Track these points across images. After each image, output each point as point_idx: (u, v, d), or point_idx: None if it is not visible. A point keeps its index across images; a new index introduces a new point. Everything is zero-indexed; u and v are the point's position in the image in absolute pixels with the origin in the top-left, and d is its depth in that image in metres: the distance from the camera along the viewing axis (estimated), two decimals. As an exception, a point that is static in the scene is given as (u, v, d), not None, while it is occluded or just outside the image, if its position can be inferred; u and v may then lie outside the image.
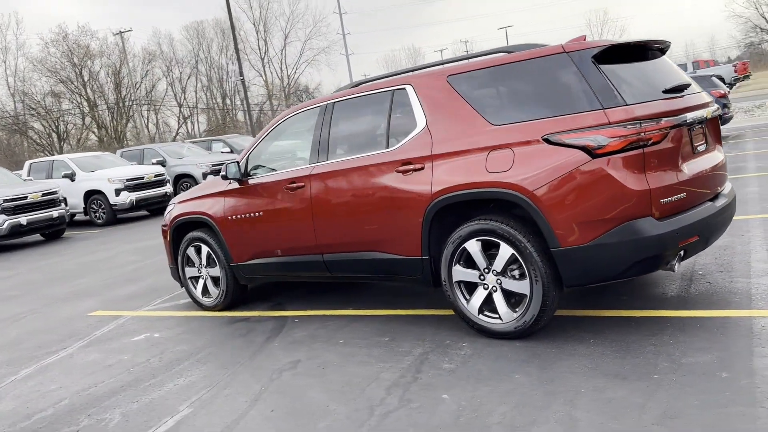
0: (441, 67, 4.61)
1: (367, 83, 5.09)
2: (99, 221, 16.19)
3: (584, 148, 3.67)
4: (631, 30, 76.60)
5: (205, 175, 18.35)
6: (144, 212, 17.33)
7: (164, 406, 3.95)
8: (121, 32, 47.79)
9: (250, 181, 5.53)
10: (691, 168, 3.92)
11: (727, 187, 4.42)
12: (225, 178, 5.60)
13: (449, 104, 4.31)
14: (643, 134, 3.62)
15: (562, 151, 3.74)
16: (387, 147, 4.61)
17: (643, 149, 3.64)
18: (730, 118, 15.52)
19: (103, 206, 16.07)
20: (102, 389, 4.42)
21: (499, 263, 4.07)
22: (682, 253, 3.82)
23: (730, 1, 70.62)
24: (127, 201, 15.87)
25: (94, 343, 5.65)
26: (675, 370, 3.38)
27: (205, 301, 6.13)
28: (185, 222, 6.14)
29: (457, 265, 4.27)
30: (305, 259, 5.20)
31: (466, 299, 4.29)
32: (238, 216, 5.58)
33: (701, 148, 4.11)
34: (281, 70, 73.72)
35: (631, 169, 3.63)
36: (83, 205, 16.33)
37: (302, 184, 5.07)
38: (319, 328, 5.05)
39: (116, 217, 16.21)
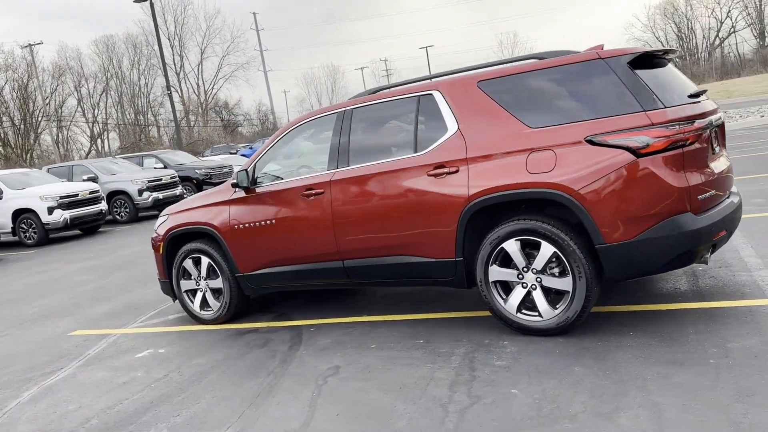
0: (468, 73, 4.72)
1: (387, 90, 5.14)
2: (29, 241, 15.28)
3: (629, 148, 3.86)
4: (538, 49, 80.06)
5: (140, 192, 17.72)
6: (76, 231, 16.49)
7: (214, 418, 3.82)
8: (30, 45, 45.45)
9: (260, 189, 5.44)
10: (714, 167, 4.20)
11: (734, 187, 4.74)
12: (236, 186, 5.47)
13: (482, 109, 4.42)
14: (682, 135, 3.86)
15: (606, 152, 3.92)
16: (415, 151, 4.66)
17: (683, 149, 3.87)
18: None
19: (34, 225, 15.19)
20: (130, 406, 4.21)
21: (539, 262, 4.19)
22: (712, 246, 4.07)
23: (630, 26, 75.04)
24: (61, 219, 15.08)
25: (92, 361, 5.36)
26: (726, 354, 3.59)
27: (205, 314, 5.94)
28: (183, 233, 5.95)
29: (494, 265, 4.36)
30: (323, 266, 5.15)
31: (503, 299, 4.38)
32: (247, 224, 5.47)
33: (717, 149, 4.41)
34: (198, 86, 72.31)
35: (672, 167, 3.85)
36: (11, 225, 15.37)
37: (321, 190, 5.04)
38: (343, 335, 5.01)
39: (48, 236, 15.36)
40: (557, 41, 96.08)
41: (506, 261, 4.35)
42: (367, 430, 3.38)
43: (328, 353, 4.64)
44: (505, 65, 4.60)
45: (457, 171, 4.42)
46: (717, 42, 70.21)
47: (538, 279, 4.23)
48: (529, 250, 4.26)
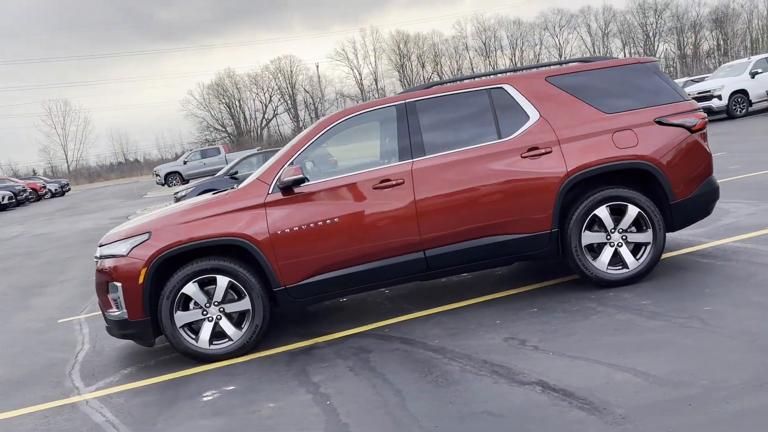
0: (532, 70, 5.40)
1: (441, 85, 5.37)
2: None
3: (686, 127, 5.15)
4: (95, 121, 77.76)
5: None
6: None
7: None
8: None
9: (309, 187, 4.92)
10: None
11: None
12: (288, 186, 4.80)
13: (558, 99, 5.16)
14: (707, 118, 5.34)
15: (671, 130, 5.13)
16: (500, 137, 5.07)
17: (706, 128, 5.35)
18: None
19: None
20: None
21: (626, 222, 5.07)
22: (712, 202, 5.58)
23: (187, 103, 78.69)
24: None
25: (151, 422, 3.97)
26: (757, 270, 5.06)
27: (216, 349, 4.86)
28: (185, 251, 4.82)
29: (586, 231, 5.07)
30: (400, 260, 4.97)
31: (593, 259, 5.10)
32: (297, 228, 4.85)
33: None
34: None
35: (705, 140, 5.28)
36: None
37: (400, 180, 4.93)
38: (435, 325, 4.92)
39: None
40: (110, 114, 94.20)
41: (591, 226, 5.10)
42: (667, 348, 3.77)
43: (468, 335, 4.57)
44: (565, 65, 5.44)
45: (550, 151, 5.02)
46: (264, 122, 79.11)
47: (623, 237, 5.10)
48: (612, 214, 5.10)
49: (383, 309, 5.63)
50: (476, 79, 5.41)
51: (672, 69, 71.09)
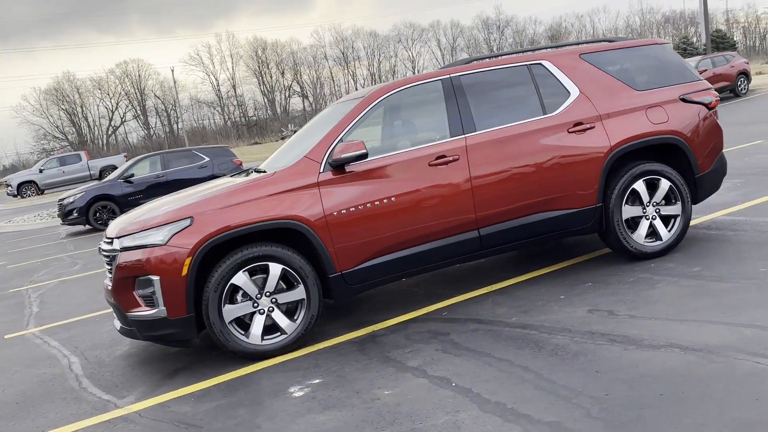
0: (566, 48, 5.40)
1: (482, 60, 5.23)
2: None
3: (705, 104, 5.41)
4: None
5: None
6: None
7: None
8: None
9: (359, 165, 4.58)
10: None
11: None
12: (337, 164, 4.44)
13: (594, 76, 5.22)
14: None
15: (693, 107, 5.37)
16: (545, 113, 5.03)
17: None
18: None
19: None
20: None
21: (659, 195, 5.22)
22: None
23: (21, 108, 71.64)
24: None
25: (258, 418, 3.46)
26: (778, 234, 5.49)
27: (268, 344, 4.39)
28: (233, 237, 4.29)
29: (626, 205, 5.16)
30: (456, 240, 4.77)
31: (631, 233, 5.20)
32: (353, 208, 4.49)
33: None
34: None
35: (718, 118, 5.59)
36: None
37: (456, 156, 4.73)
38: (496, 305, 4.76)
39: None
40: None
41: (629, 199, 5.19)
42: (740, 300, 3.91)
43: (544, 311, 4.46)
44: (592, 43, 5.50)
45: (593, 127, 5.06)
46: (111, 130, 73.91)
47: (657, 210, 5.25)
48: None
49: (417, 296, 5.37)
50: (514, 55, 5.35)
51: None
